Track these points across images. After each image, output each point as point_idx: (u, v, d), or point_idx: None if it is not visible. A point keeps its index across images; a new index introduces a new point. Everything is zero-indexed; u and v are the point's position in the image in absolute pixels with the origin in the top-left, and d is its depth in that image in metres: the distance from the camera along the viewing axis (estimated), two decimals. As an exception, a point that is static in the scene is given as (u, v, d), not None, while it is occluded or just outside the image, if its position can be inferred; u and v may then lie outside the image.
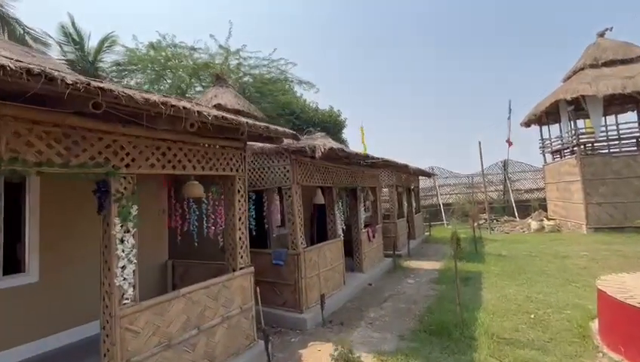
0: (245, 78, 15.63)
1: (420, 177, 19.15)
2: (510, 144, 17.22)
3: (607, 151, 12.94)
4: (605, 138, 12.87)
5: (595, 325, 4.20)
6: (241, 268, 3.71)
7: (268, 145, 5.03)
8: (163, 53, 14.38)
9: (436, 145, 46.17)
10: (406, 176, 12.21)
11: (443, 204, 18.38)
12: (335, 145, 5.16)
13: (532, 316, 4.82)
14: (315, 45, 58.41)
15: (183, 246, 5.01)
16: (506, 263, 8.22)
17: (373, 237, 7.84)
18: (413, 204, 13.05)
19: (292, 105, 17.53)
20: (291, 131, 3.92)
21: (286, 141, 4.35)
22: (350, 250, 7.15)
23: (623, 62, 12.48)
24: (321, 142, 4.65)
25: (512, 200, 17.06)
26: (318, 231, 8.04)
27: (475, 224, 11.82)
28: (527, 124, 16.43)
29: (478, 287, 6.38)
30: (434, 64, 55.22)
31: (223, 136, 3.41)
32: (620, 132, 12.98)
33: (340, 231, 6.27)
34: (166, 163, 2.94)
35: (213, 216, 4.49)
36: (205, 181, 3.71)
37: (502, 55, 48.81)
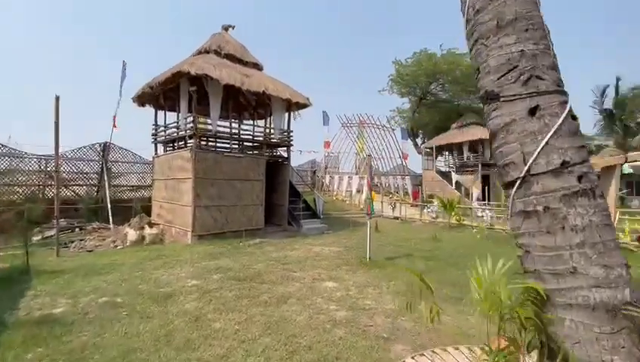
0: None
1: None
2: (114, 124, 12.63)
3: (215, 149, 11.99)
4: (215, 135, 11.76)
5: None
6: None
7: None
8: None
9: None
10: None
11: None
12: None
13: None
14: None
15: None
16: None
17: None
18: None
19: None
20: None
21: None
22: None
23: (240, 62, 12.20)
24: None
25: (109, 200, 12.31)
26: None
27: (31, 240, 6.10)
28: (141, 101, 12.68)
29: None
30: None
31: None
32: (233, 132, 12.60)
33: None
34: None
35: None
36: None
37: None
